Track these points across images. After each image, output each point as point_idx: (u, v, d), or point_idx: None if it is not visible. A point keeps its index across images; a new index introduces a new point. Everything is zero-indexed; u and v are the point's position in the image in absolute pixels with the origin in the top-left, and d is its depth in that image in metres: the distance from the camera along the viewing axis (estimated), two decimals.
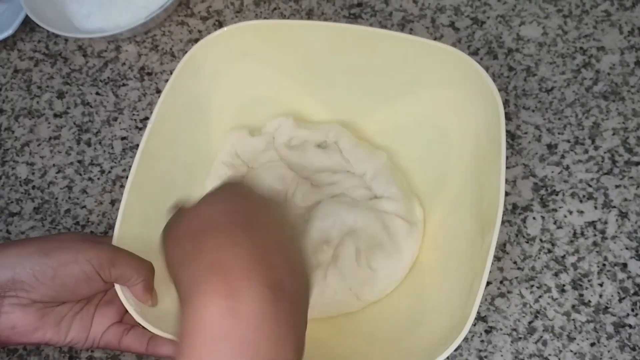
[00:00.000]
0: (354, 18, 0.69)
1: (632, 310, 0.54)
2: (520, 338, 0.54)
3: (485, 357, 0.53)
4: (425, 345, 0.46)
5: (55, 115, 0.68)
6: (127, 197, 0.50)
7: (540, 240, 0.57)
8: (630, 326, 0.54)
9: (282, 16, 0.70)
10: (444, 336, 0.44)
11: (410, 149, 0.58)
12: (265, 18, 0.71)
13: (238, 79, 0.58)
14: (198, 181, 0.58)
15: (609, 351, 0.53)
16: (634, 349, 0.53)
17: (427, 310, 0.51)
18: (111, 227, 0.61)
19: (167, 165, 0.55)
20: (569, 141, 0.61)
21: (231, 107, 0.60)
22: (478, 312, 0.54)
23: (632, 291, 0.55)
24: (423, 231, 0.55)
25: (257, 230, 0.37)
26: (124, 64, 0.70)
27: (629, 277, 0.55)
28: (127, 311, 0.47)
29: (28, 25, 0.72)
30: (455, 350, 0.53)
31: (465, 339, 0.54)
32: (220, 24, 0.71)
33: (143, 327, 0.46)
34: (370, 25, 0.69)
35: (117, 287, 0.47)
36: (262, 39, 0.57)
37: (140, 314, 0.46)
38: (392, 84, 0.56)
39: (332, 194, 0.57)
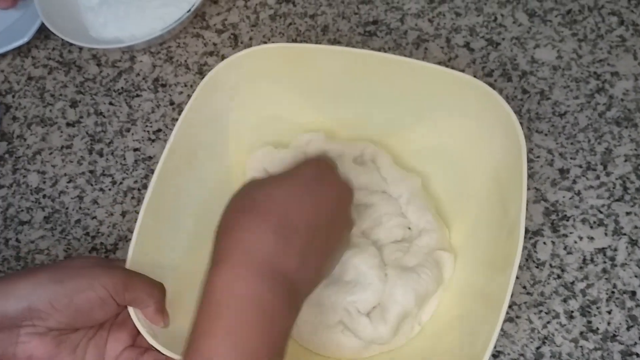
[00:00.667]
0: (369, 35, 0.70)
1: None
2: None
3: None
4: None
5: (68, 124, 0.68)
6: (142, 219, 0.49)
7: (550, 265, 0.57)
8: (637, 355, 0.54)
9: (297, 31, 0.71)
10: None
11: (427, 175, 0.58)
12: (280, 33, 0.71)
13: (258, 98, 0.58)
14: (216, 200, 0.58)
15: None
16: None
17: (439, 340, 0.51)
18: (121, 238, 0.62)
19: (183, 185, 0.55)
20: (581, 166, 0.61)
21: (249, 127, 0.59)
22: None
23: None
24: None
25: (295, 224, 0.41)
26: (138, 74, 0.70)
27: (637, 305, 0.55)
28: (139, 333, 0.47)
29: (43, 33, 0.72)
30: None
31: None
32: (235, 37, 0.71)
33: (156, 350, 0.46)
34: (385, 43, 0.69)
35: (130, 309, 0.47)
36: (283, 61, 0.57)
37: (153, 336, 0.46)
38: (410, 110, 0.56)
39: (368, 227, 0.55)
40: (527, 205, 0.59)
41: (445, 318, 0.53)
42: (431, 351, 0.51)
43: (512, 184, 0.48)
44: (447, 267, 0.54)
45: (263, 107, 0.59)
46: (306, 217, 0.42)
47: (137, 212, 0.51)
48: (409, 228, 0.55)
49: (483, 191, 0.54)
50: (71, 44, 0.71)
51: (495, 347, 0.54)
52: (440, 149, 0.57)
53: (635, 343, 0.54)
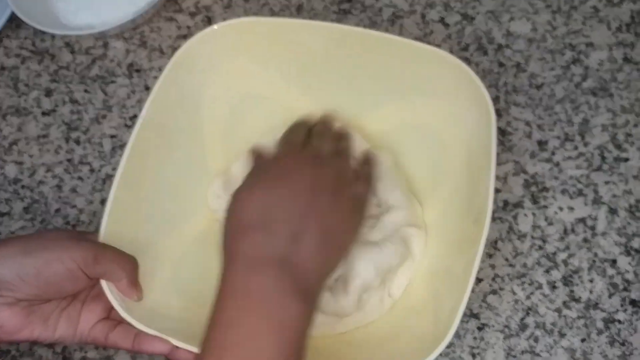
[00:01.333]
0: (343, 14, 0.69)
1: (622, 305, 0.55)
2: (512, 335, 0.54)
3: (478, 354, 0.54)
4: (412, 347, 0.47)
5: (44, 114, 0.67)
6: (114, 193, 0.50)
7: (532, 237, 0.58)
8: (619, 322, 0.54)
9: (272, 12, 0.70)
10: (425, 345, 0.45)
11: (401, 151, 0.58)
12: (254, 14, 0.70)
13: (231, 75, 0.58)
14: (189, 178, 0.58)
15: (599, 346, 0.54)
16: (623, 344, 0.54)
17: (413, 314, 0.51)
18: None
19: (157, 162, 0.55)
20: (559, 137, 0.62)
21: (224, 104, 0.59)
22: (470, 309, 0.55)
23: (621, 287, 0.56)
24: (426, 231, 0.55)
25: (297, 231, 0.44)
26: (112, 60, 0.69)
27: (618, 273, 0.56)
28: (113, 307, 0.47)
29: (14, 22, 0.71)
30: (448, 347, 0.54)
31: (458, 336, 0.54)
32: (209, 20, 0.70)
33: (129, 324, 0.46)
34: (360, 20, 0.69)
35: (103, 282, 0.47)
36: (254, 37, 0.57)
37: (126, 309, 0.46)
38: (385, 86, 0.56)
39: None
40: (506, 178, 0.60)
41: (418, 293, 0.53)
42: (403, 326, 0.51)
43: (484, 162, 0.49)
44: (415, 243, 0.54)
45: (237, 84, 0.59)
46: (285, 210, 0.45)
47: None
48: (379, 206, 0.56)
49: (457, 169, 0.54)
50: (43, 32, 0.70)
51: (479, 319, 0.55)
52: (415, 126, 0.57)
53: (617, 310, 0.55)
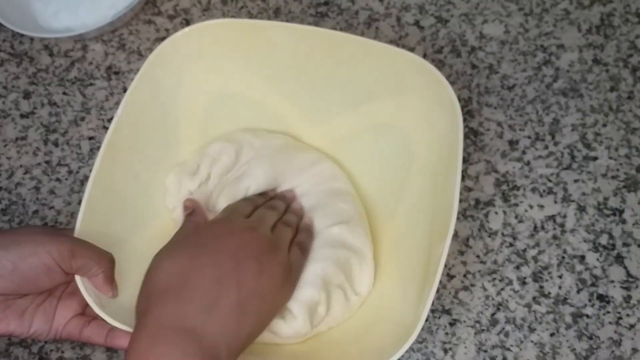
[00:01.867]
0: (320, 17, 0.70)
1: (589, 300, 0.56)
2: (483, 330, 0.55)
3: (450, 349, 0.55)
4: (385, 342, 0.48)
5: (22, 116, 0.67)
6: (90, 190, 0.50)
7: (502, 234, 0.59)
8: (587, 316, 0.56)
9: (250, 14, 0.71)
10: (397, 338, 0.46)
11: (372, 153, 0.59)
12: (232, 16, 0.71)
13: (206, 76, 0.59)
14: (164, 176, 0.58)
15: (567, 341, 0.55)
16: (590, 338, 0.55)
17: (383, 313, 0.52)
18: None
19: (132, 159, 0.55)
20: (529, 137, 0.63)
21: (199, 104, 0.60)
22: (442, 305, 0.56)
23: (589, 282, 0.57)
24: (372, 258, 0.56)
25: (207, 297, 0.43)
26: (90, 63, 0.70)
27: (586, 269, 0.57)
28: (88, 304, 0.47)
29: None
30: (420, 342, 0.55)
31: (430, 332, 0.55)
32: (187, 22, 0.71)
33: (103, 320, 0.47)
34: (337, 23, 0.70)
35: (78, 278, 0.48)
36: (229, 38, 0.58)
37: (100, 305, 0.47)
38: (357, 88, 0.57)
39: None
40: (478, 177, 0.61)
41: (388, 289, 0.54)
42: (375, 321, 0.52)
43: (453, 161, 0.50)
44: (353, 238, 0.54)
45: (211, 85, 0.59)
46: (205, 276, 0.44)
47: None
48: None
49: (425, 168, 0.55)
50: (22, 35, 0.70)
51: (451, 315, 0.56)
52: (386, 126, 0.58)
53: (585, 305, 0.56)
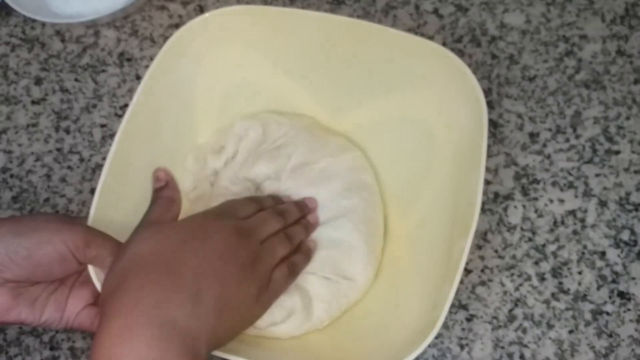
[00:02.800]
0: (337, 4, 0.69)
1: (610, 297, 0.55)
2: (500, 326, 0.54)
3: (466, 344, 0.54)
4: (402, 338, 0.47)
5: (33, 102, 0.67)
6: (104, 179, 0.49)
7: (521, 228, 0.58)
8: (607, 313, 0.54)
9: (265, 1, 0.70)
10: (415, 334, 0.45)
11: (392, 145, 0.58)
12: (247, 3, 0.70)
13: (223, 63, 0.58)
14: (178, 164, 0.57)
15: (586, 338, 0.54)
16: (610, 336, 0.54)
17: (400, 310, 0.51)
18: None
19: (147, 147, 0.54)
20: (550, 130, 0.61)
21: (217, 92, 0.59)
22: (459, 301, 0.55)
23: (609, 279, 0.56)
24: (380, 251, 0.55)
25: (183, 276, 0.41)
26: (103, 49, 0.68)
27: (607, 265, 0.56)
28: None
29: (4, 9, 0.70)
30: (437, 338, 0.54)
31: (447, 327, 0.54)
32: (201, 9, 0.70)
33: None
34: (354, 11, 0.68)
35: (90, 268, 0.47)
36: (246, 25, 0.56)
37: None
38: (376, 78, 0.56)
39: None
40: (497, 169, 0.60)
41: (406, 284, 0.53)
42: (393, 316, 0.51)
43: (474, 154, 0.48)
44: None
45: (229, 73, 0.58)
46: (190, 264, 0.42)
47: None
48: None
49: (447, 160, 0.54)
50: (34, 20, 0.69)
51: (468, 311, 0.55)
52: (407, 117, 0.56)
53: (605, 302, 0.55)
